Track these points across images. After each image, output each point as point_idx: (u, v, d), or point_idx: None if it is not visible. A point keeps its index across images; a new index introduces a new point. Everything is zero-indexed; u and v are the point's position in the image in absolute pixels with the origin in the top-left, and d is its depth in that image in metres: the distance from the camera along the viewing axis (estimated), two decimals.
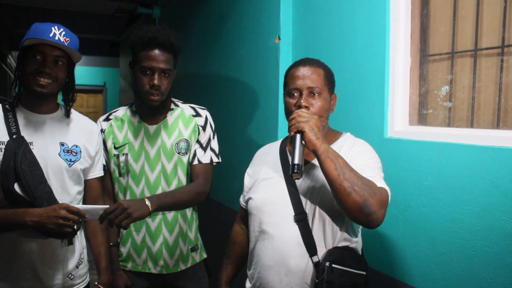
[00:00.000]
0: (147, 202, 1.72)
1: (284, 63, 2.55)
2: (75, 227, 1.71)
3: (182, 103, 2.06)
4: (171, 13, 4.51)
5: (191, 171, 1.99)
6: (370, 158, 1.51)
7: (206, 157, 1.99)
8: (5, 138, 1.67)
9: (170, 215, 1.97)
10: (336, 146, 1.57)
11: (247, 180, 1.75)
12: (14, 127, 1.69)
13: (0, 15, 4.95)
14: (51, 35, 1.66)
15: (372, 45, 1.98)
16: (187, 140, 1.97)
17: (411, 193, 1.79)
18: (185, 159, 1.98)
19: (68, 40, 1.70)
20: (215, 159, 2.03)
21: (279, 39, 2.54)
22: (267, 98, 2.66)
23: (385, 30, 1.91)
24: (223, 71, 3.31)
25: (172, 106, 2.02)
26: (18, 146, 1.65)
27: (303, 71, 1.55)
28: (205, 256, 2.11)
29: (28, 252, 1.71)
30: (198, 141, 2.00)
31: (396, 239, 1.86)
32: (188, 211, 2.04)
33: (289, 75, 1.60)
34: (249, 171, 1.77)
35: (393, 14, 1.90)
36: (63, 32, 1.70)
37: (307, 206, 1.51)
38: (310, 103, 1.53)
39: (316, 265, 1.46)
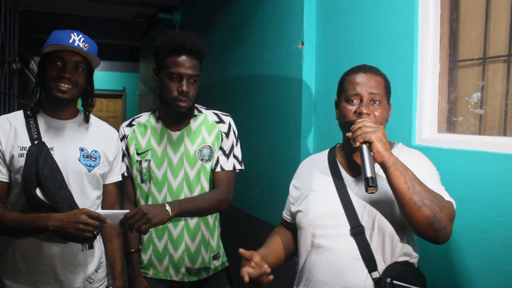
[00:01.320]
0: (167, 208, 1.70)
1: (308, 68, 2.52)
2: (95, 232, 1.71)
3: (205, 109, 2.04)
4: (191, 19, 4.52)
5: (214, 178, 1.97)
6: (430, 170, 1.45)
7: (229, 164, 1.97)
8: (27, 143, 1.68)
9: (192, 222, 1.95)
10: None
11: (294, 192, 1.67)
12: (36, 132, 1.70)
13: (22, 21, 5.02)
14: (70, 41, 1.68)
15: (399, 50, 1.93)
16: (210, 146, 1.95)
17: None
18: (208, 166, 1.96)
19: (87, 46, 1.72)
20: (238, 166, 2.00)
21: (303, 44, 2.51)
22: (290, 104, 2.63)
23: (413, 35, 1.87)
24: (245, 77, 3.28)
25: (196, 112, 2.00)
26: (40, 152, 1.66)
27: (364, 77, 1.49)
28: (227, 264, 2.08)
29: (49, 256, 1.71)
30: (221, 148, 1.97)
31: (424, 250, 1.80)
32: (210, 219, 2.01)
33: (348, 80, 1.52)
34: (295, 183, 1.70)
35: (422, 19, 1.86)
36: (82, 38, 1.71)
37: (364, 219, 1.44)
38: (371, 110, 1.46)
39: (377, 281, 1.38)
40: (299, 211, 1.58)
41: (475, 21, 1.79)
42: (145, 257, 1.96)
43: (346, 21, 2.28)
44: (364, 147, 1.34)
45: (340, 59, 2.31)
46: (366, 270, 1.40)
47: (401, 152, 1.52)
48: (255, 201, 3.03)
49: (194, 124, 1.97)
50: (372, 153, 1.33)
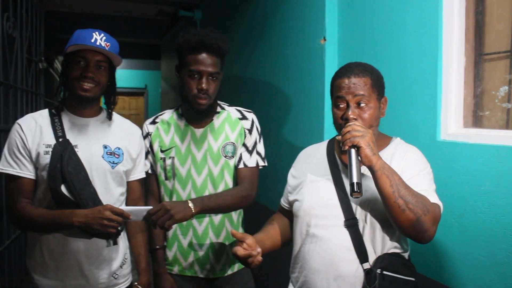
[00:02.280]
0: (190, 204, 1.72)
1: (330, 64, 2.49)
2: (119, 228, 1.74)
3: (228, 106, 2.04)
4: (212, 16, 4.53)
5: (237, 174, 1.97)
6: (423, 169, 1.48)
7: (252, 160, 1.97)
8: (52, 141, 1.71)
9: (217, 218, 1.96)
10: (387, 152, 1.53)
11: (292, 180, 1.72)
12: (60, 130, 1.73)
13: (47, 21, 5.11)
14: (92, 40, 1.70)
15: (423, 44, 1.90)
16: (233, 143, 1.96)
17: (466, 199, 1.71)
18: (231, 162, 1.96)
19: (109, 45, 1.74)
20: (261, 163, 2.00)
21: (325, 40, 2.49)
22: (313, 100, 2.61)
23: (438, 28, 1.83)
24: (267, 73, 3.28)
25: (219, 109, 2.01)
26: (64, 149, 1.68)
27: (348, 81, 1.49)
28: None
29: (75, 251, 1.74)
30: (244, 145, 1.98)
31: (450, 246, 1.78)
32: (235, 215, 2.02)
33: (335, 85, 1.54)
34: (293, 171, 1.74)
35: (446, 12, 1.82)
36: (104, 37, 1.73)
37: (358, 212, 1.48)
38: (358, 114, 1.47)
39: (368, 272, 1.42)
40: (296, 200, 1.62)
41: (502, 13, 1.75)
42: (170, 254, 1.98)
43: (368, 16, 2.25)
44: (353, 151, 1.36)
45: (363, 54, 2.28)
46: (357, 261, 1.44)
47: (398, 148, 1.54)
48: (277, 197, 3.03)
49: (217, 121, 1.98)
50: (359, 157, 1.36)
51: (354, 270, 1.44)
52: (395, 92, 2.04)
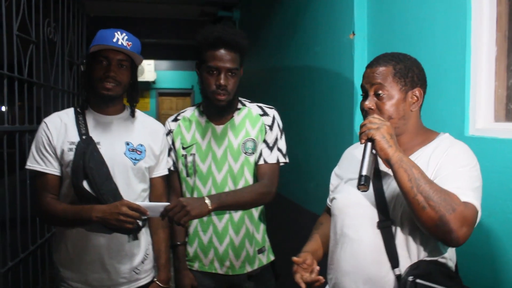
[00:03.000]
0: (207, 201, 1.72)
1: (359, 59, 2.43)
2: (140, 223, 1.78)
3: (249, 102, 2.04)
4: (250, 15, 4.54)
5: (257, 171, 1.96)
6: (463, 165, 1.34)
7: (272, 157, 1.95)
8: (76, 138, 1.77)
9: (236, 215, 1.95)
10: (429, 148, 1.43)
11: (334, 179, 1.68)
12: (84, 128, 1.79)
13: (92, 26, 5.32)
14: (114, 40, 1.74)
15: (451, 34, 1.80)
16: (253, 140, 1.95)
17: (496, 197, 1.60)
18: (251, 159, 1.95)
19: (130, 44, 1.77)
20: (282, 159, 1.98)
21: (354, 34, 2.43)
22: (342, 96, 2.55)
23: (466, 17, 1.73)
24: (299, 70, 3.24)
25: (239, 105, 2.00)
26: (87, 146, 1.74)
27: (370, 70, 1.45)
28: (272, 258, 2.07)
29: (97, 246, 1.79)
30: (264, 141, 1.96)
31: (477, 248, 1.67)
32: (255, 212, 2.00)
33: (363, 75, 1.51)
34: (336, 170, 1.70)
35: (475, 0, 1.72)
36: (126, 37, 1.77)
37: (392, 212, 1.39)
38: (376, 104, 1.42)
39: (398, 278, 1.33)
40: (334, 198, 1.56)
41: None
42: (191, 250, 2.00)
43: (397, 8, 2.17)
44: (368, 144, 1.31)
45: (393, 48, 2.17)
46: (388, 265, 1.36)
47: (441, 143, 1.43)
48: (309, 195, 2.99)
49: (237, 117, 1.97)
50: (376, 151, 1.30)
51: (384, 274, 1.36)
52: None
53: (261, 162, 1.94)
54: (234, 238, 1.95)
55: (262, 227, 2.04)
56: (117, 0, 4.99)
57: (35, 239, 2.70)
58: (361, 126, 1.34)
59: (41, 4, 2.72)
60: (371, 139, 1.30)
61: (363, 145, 1.58)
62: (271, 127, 1.96)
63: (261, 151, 1.95)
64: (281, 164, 1.99)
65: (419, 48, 2.00)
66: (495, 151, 1.61)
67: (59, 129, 1.79)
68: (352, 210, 1.46)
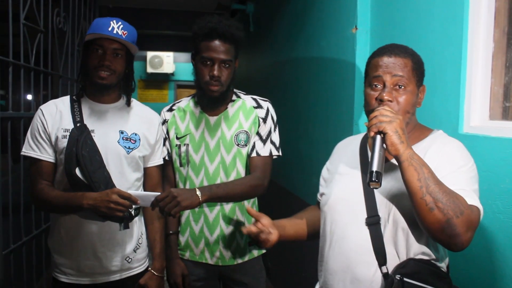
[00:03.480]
0: (198, 192, 1.73)
1: (362, 53, 2.40)
2: (132, 212, 1.79)
3: (244, 94, 2.04)
4: (263, 8, 4.52)
5: (250, 163, 1.96)
6: (462, 165, 1.29)
7: (265, 149, 1.95)
8: (70, 126, 1.79)
9: (227, 207, 1.96)
10: (423, 145, 1.39)
11: (325, 173, 1.65)
12: (79, 116, 1.81)
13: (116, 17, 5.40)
14: (109, 29, 1.75)
15: (448, 29, 1.77)
16: (246, 132, 1.95)
17: (486, 197, 1.56)
18: (244, 151, 1.95)
19: (126, 33, 1.78)
20: (275, 152, 1.97)
21: (356, 28, 2.40)
22: (343, 91, 2.53)
23: (463, 11, 1.69)
24: (307, 63, 3.22)
25: (234, 97, 2.01)
26: (81, 134, 1.75)
27: (388, 60, 1.37)
28: (263, 250, 2.07)
29: (89, 234, 1.81)
30: (258, 133, 1.96)
31: (468, 248, 1.64)
32: (247, 204, 2.01)
33: (372, 63, 1.41)
34: (327, 164, 1.66)
35: None
36: (121, 26, 1.77)
37: (381, 209, 1.34)
38: (395, 97, 1.35)
39: (385, 276, 1.30)
40: (323, 193, 1.54)
41: None
42: (182, 239, 2.02)
43: (399, 3, 2.13)
44: (378, 137, 1.23)
45: (393, 42, 2.17)
46: (376, 263, 1.31)
47: (436, 140, 1.39)
48: (312, 189, 2.97)
49: (231, 109, 1.98)
50: (385, 145, 1.23)
51: (372, 274, 1.32)
52: None
53: (254, 154, 1.94)
54: (225, 229, 1.96)
55: (254, 219, 2.04)
56: None
57: (39, 225, 2.76)
58: (371, 118, 1.26)
59: None
60: (382, 132, 1.23)
61: (356, 141, 1.57)
62: (264, 119, 1.96)
63: (254, 143, 1.95)
64: (274, 157, 1.99)
65: (418, 43, 1.96)
66: (489, 150, 1.57)
67: (54, 116, 1.82)
68: (341, 206, 1.43)
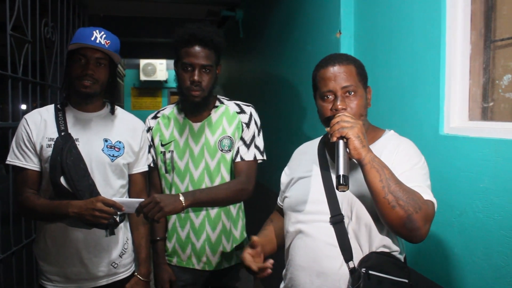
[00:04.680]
0: (181, 198, 1.75)
1: None
2: (117, 219, 1.81)
3: (228, 100, 2.06)
4: (252, 15, 4.55)
5: (234, 168, 1.98)
6: (416, 163, 1.39)
7: (249, 154, 1.97)
8: (55, 135, 1.81)
9: (213, 212, 1.98)
10: (378, 145, 1.46)
11: (284, 178, 1.70)
12: (63, 125, 1.83)
13: (107, 26, 5.41)
14: (92, 38, 1.77)
15: (427, 32, 1.79)
16: (230, 137, 1.97)
17: (466, 197, 1.59)
18: (228, 156, 1.97)
19: (109, 42, 1.80)
20: (259, 157, 1.99)
21: (340, 33, 2.43)
22: None
23: (441, 15, 1.72)
24: (293, 69, 3.25)
25: (217, 103, 2.03)
26: (65, 142, 1.77)
27: (334, 70, 1.44)
28: None
29: (75, 240, 1.83)
30: (241, 138, 1.98)
31: (451, 247, 1.66)
32: (233, 209, 2.02)
33: (318, 76, 1.49)
34: (286, 170, 1.72)
35: None
36: (104, 35, 1.80)
37: (343, 207, 1.42)
38: (348, 104, 1.42)
39: (352, 271, 1.36)
40: (286, 197, 1.59)
41: None
42: (169, 245, 2.03)
43: (381, 8, 2.16)
44: (341, 142, 1.30)
45: (377, 47, 2.20)
46: (341, 258, 1.39)
47: (390, 141, 1.46)
48: None
49: (214, 115, 1.99)
50: (348, 150, 1.29)
51: (338, 268, 1.39)
52: (403, 84, 1.95)
53: (238, 159, 1.96)
54: (211, 234, 1.97)
55: (240, 223, 2.06)
56: (127, 0, 5.05)
57: (29, 234, 2.76)
58: (333, 124, 1.33)
59: (37, 3, 2.78)
60: (345, 137, 1.29)
61: (313, 145, 1.63)
62: (248, 124, 1.98)
63: (238, 148, 1.97)
64: (259, 161, 2.00)
65: (399, 47, 2.00)
66: (468, 150, 1.59)
67: (39, 125, 1.84)
68: (305, 207, 1.49)
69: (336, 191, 1.38)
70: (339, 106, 1.40)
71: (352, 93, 1.42)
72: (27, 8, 2.64)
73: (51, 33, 3.05)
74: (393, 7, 2.05)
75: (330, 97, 1.44)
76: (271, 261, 1.45)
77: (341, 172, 1.26)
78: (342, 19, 2.41)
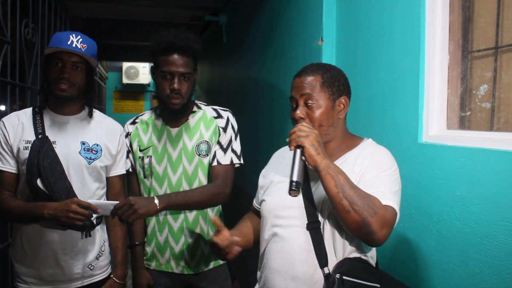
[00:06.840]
0: (156, 200, 1.76)
1: None
2: (94, 221, 1.81)
3: (205, 105, 2.06)
4: (235, 20, 4.56)
5: (211, 172, 1.98)
6: (385, 170, 1.41)
7: (226, 158, 1.97)
8: (32, 137, 1.80)
9: (191, 216, 1.98)
10: (353, 153, 1.49)
11: (261, 181, 1.71)
12: (40, 127, 1.82)
13: (84, 27, 5.34)
14: (69, 42, 1.77)
15: (407, 42, 1.82)
16: (207, 142, 1.97)
17: (444, 204, 1.61)
18: (205, 160, 1.98)
19: (85, 46, 1.80)
20: (236, 161, 2.00)
21: (322, 40, 2.45)
22: None
23: (420, 26, 1.75)
24: (275, 76, 3.26)
25: (195, 108, 2.03)
26: (42, 145, 1.76)
27: (298, 81, 1.50)
28: None
29: (51, 242, 1.82)
30: (218, 142, 1.99)
31: (429, 254, 1.69)
32: (211, 212, 2.03)
33: (291, 86, 1.55)
34: (263, 172, 1.73)
35: (429, 8, 1.73)
36: (81, 39, 1.80)
37: (319, 214, 1.44)
38: (308, 113, 1.47)
39: (327, 276, 1.38)
40: (263, 200, 1.60)
41: (491, 7, 1.64)
42: (149, 249, 2.02)
43: (364, 15, 2.19)
44: (298, 151, 1.36)
45: (358, 55, 2.22)
46: (316, 263, 1.41)
47: (365, 149, 1.49)
48: None
49: (192, 120, 2.00)
50: (304, 157, 1.35)
51: (312, 273, 1.41)
52: (383, 92, 1.98)
53: (215, 163, 1.97)
54: (189, 238, 1.97)
55: (215, 230, 2.05)
56: (110, 2, 5.02)
57: (5, 239, 2.71)
58: (291, 134, 1.39)
59: (18, 4, 2.74)
60: (301, 146, 1.35)
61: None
62: (224, 129, 1.98)
63: (215, 152, 1.98)
64: (236, 165, 2.01)
65: (379, 55, 2.02)
66: (446, 159, 1.62)
67: (16, 128, 1.82)
68: (282, 212, 1.50)
69: (313, 196, 1.42)
70: (297, 115, 1.47)
71: (311, 103, 1.46)
72: (7, 8, 2.60)
73: (32, 34, 3.02)
74: (374, 17, 2.08)
75: (293, 105, 1.51)
76: (236, 238, 1.51)
77: (294, 178, 1.33)
78: (324, 26, 2.43)
